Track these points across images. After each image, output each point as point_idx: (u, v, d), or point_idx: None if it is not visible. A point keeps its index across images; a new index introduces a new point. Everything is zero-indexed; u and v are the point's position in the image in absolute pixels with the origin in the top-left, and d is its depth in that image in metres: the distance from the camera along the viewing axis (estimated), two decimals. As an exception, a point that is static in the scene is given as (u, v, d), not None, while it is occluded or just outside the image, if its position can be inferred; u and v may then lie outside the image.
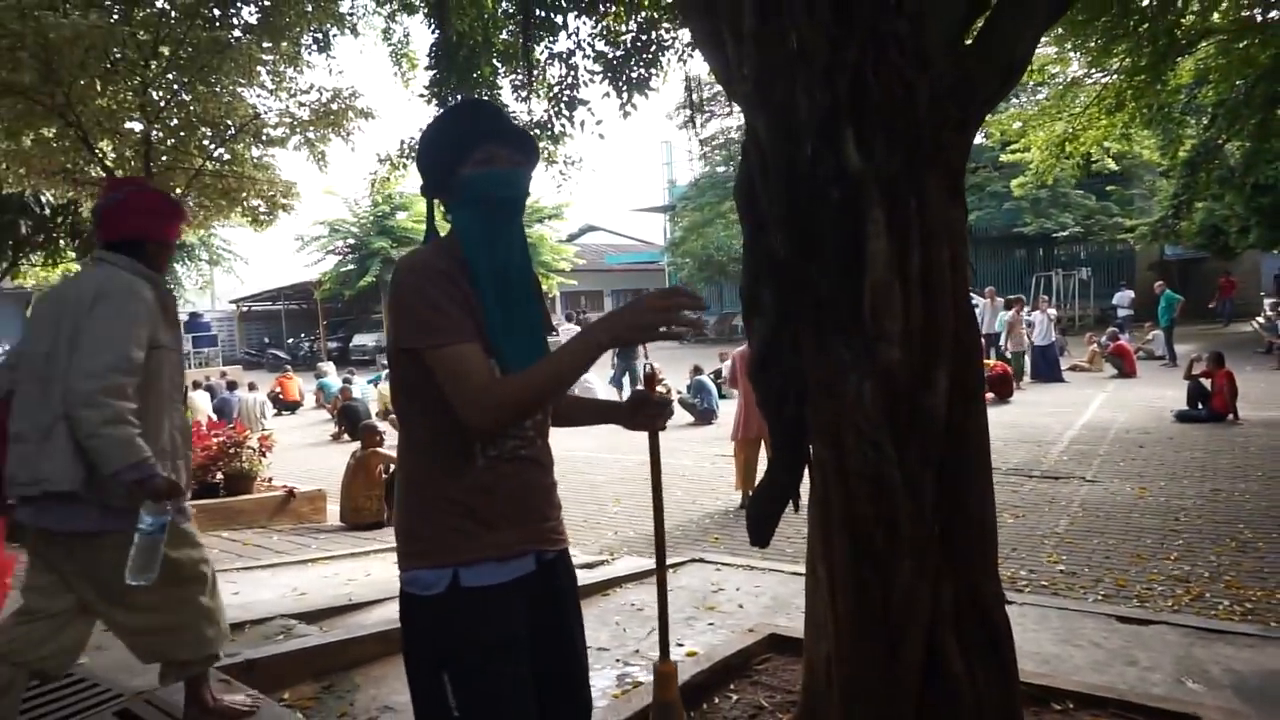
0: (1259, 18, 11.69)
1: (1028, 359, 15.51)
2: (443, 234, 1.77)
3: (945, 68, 2.35)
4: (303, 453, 12.58)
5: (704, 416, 12.57)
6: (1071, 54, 11.71)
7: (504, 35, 6.69)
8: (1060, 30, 10.60)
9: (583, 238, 44.10)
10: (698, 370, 13.56)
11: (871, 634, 2.41)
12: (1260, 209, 18.15)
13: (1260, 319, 20.91)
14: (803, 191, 2.30)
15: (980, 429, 2.48)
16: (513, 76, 6.22)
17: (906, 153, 2.28)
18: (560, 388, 1.64)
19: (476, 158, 1.70)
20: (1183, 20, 10.84)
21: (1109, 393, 13.68)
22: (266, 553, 6.34)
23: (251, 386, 15.92)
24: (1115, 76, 12.04)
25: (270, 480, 8.24)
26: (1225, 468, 7.93)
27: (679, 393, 13.17)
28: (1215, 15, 11.44)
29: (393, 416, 7.02)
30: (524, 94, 6.28)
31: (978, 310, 18.34)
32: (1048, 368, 15.38)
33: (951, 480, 2.40)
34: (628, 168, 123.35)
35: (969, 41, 2.53)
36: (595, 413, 2.11)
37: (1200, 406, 10.55)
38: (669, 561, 5.00)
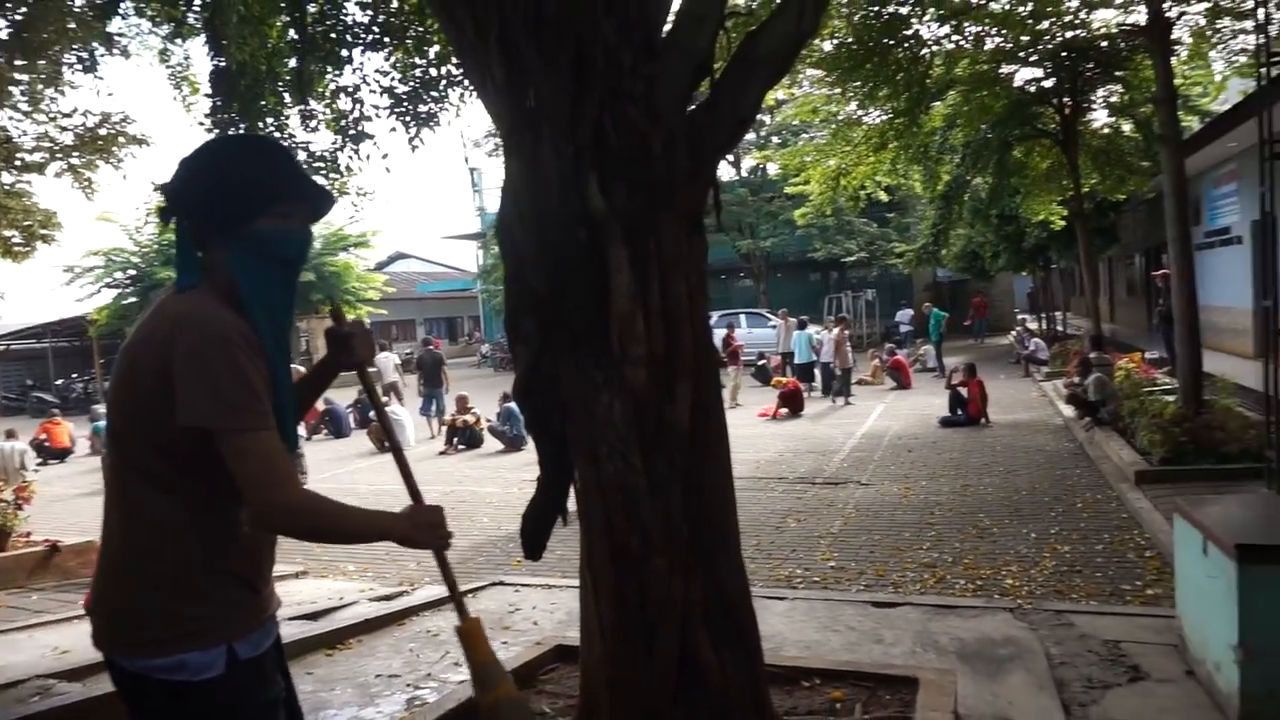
0: (993, 73, 13.36)
1: (819, 373, 16.76)
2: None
3: (678, 123, 2.66)
4: (74, 503, 11.52)
5: (513, 443, 12.66)
6: (845, 97, 12.86)
7: (291, 64, 6.58)
8: (835, 75, 11.69)
9: (393, 265, 42.96)
10: (507, 397, 13.63)
11: (631, 633, 2.66)
12: (1007, 236, 20.64)
13: (1012, 334, 23.60)
14: (553, 232, 2.53)
15: (720, 439, 2.80)
16: (301, 108, 6.14)
17: (645, 197, 2.57)
18: (332, 536, 1.70)
19: (278, 211, 1.62)
20: (931, 72, 12.25)
21: (887, 403, 15.02)
22: (22, 613, 5.83)
23: (10, 434, 14.35)
24: (879, 119, 13.38)
25: (29, 535, 7.54)
26: (975, 465, 8.99)
27: (488, 420, 13.20)
28: (958, 69, 12.97)
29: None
30: (313, 125, 6.21)
31: (774, 330, 19.66)
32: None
33: (697, 487, 2.70)
34: (440, 194, 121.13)
35: (700, 100, 2.87)
36: (318, 383, 2.03)
37: (959, 412, 11.84)
38: (467, 587, 5.09)
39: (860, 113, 13.37)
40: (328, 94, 5.90)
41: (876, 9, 10.62)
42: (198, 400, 1.48)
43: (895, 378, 17.29)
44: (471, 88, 6.10)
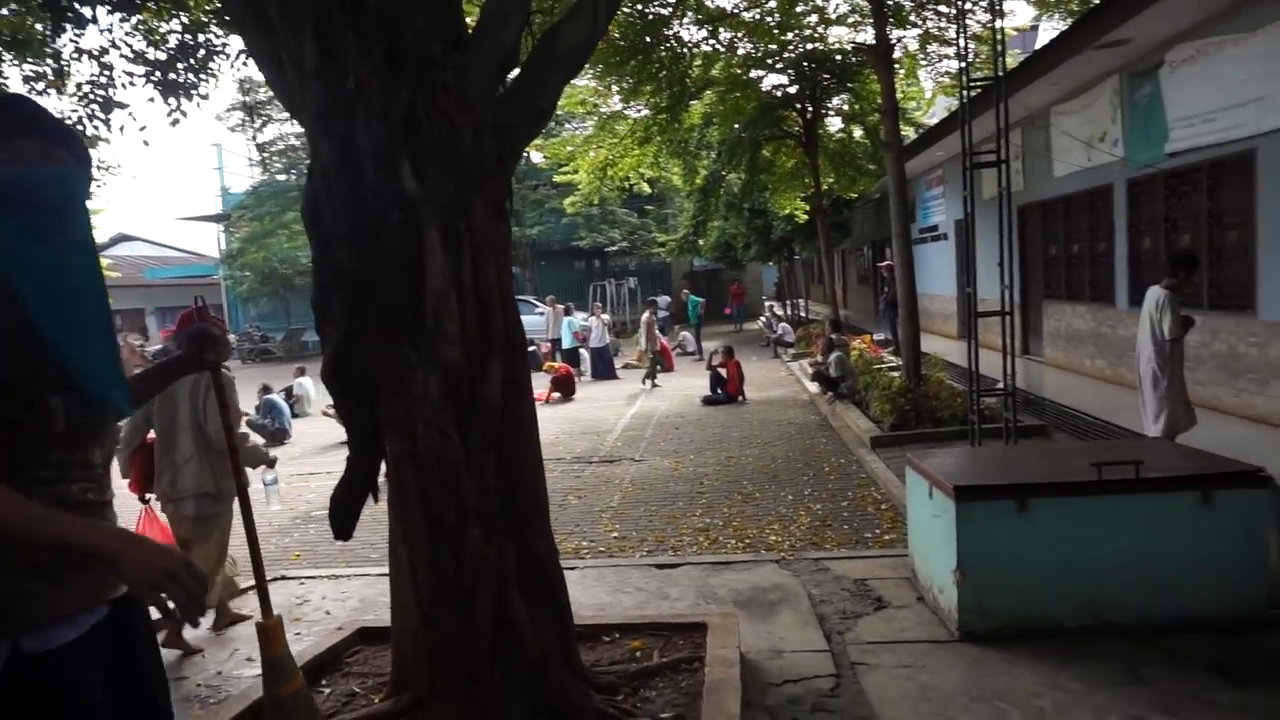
0: (745, 77, 14.40)
1: (589, 357, 17.28)
2: None
3: (486, 111, 2.78)
4: None
5: (276, 436, 11.97)
6: (612, 90, 13.31)
7: (4, 13, 5.80)
8: (601, 67, 12.06)
9: (115, 249, 38.46)
10: (267, 389, 12.84)
11: (448, 599, 2.76)
12: (757, 229, 22.30)
13: (762, 319, 25.52)
14: (366, 213, 2.57)
15: (529, 414, 2.97)
16: (28, 66, 5.44)
17: (457, 181, 2.68)
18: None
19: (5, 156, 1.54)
20: (691, 72, 13.00)
21: (653, 385, 15.78)
22: None
23: None
24: (644, 114, 13.99)
25: None
26: (736, 439, 9.76)
27: (247, 415, 12.35)
28: (715, 70, 13.85)
29: None
30: (41, 87, 5.54)
31: (542, 316, 19.96)
32: (604, 367, 17.24)
33: (509, 458, 2.85)
34: (173, 172, 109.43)
35: (506, 90, 3.01)
36: (162, 376, 2.04)
37: (719, 391, 12.74)
38: (246, 585, 4.87)
39: (625, 107, 13.93)
40: (64, 55, 5.30)
41: (640, 8, 11.12)
42: None
43: (659, 361, 18.18)
44: (245, 61, 5.76)
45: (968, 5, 10.45)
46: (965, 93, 7.23)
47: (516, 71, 3.00)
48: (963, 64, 7.33)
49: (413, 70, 2.54)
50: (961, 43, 7.54)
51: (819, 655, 3.74)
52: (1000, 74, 7.07)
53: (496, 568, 2.80)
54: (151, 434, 4.44)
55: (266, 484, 5.01)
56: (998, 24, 7.41)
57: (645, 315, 16.56)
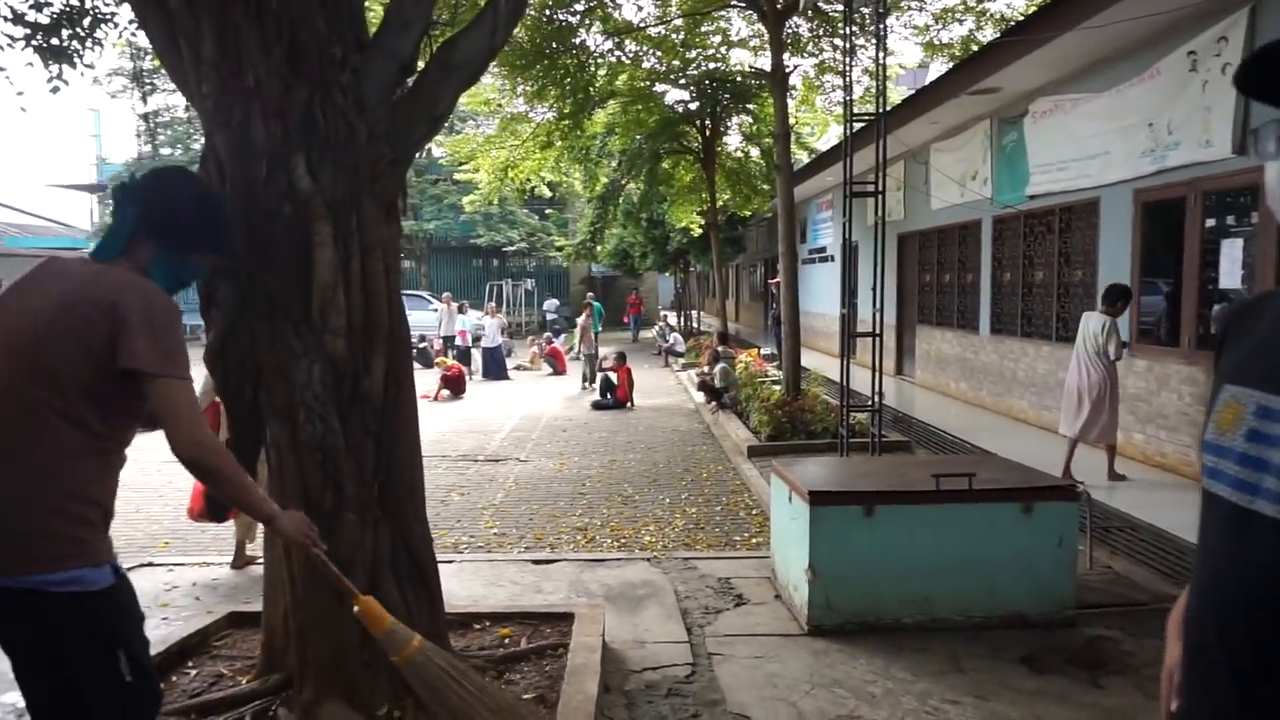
0: (648, 90, 14.73)
1: (480, 356, 17.25)
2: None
3: (381, 115, 2.91)
4: None
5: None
6: (516, 92, 13.38)
7: None
8: (506, 69, 12.14)
9: (-29, 214, 35.72)
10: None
11: (322, 582, 2.85)
12: (654, 239, 22.72)
13: (656, 328, 25.98)
14: (258, 204, 2.65)
15: (410, 406, 3.10)
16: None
17: (349, 180, 2.79)
18: (230, 488, 1.99)
19: (209, 257, 2.25)
20: (595, 81, 13.22)
21: (545, 388, 15.91)
22: None
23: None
24: (547, 118, 14.12)
25: None
26: (621, 443, 10.01)
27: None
28: (619, 82, 14.12)
29: None
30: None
31: (436, 313, 19.78)
32: (496, 367, 17.23)
33: (388, 447, 2.97)
34: (44, 135, 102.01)
35: (403, 96, 3.13)
36: None
37: (608, 397, 12.97)
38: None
39: (529, 110, 14.03)
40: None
41: (549, 14, 11.28)
42: (143, 348, 1.80)
43: (552, 364, 18.31)
44: (136, 31, 5.60)
45: (859, 42, 11.09)
46: (849, 125, 7.71)
47: (414, 78, 3.12)
48: (847, 98, 7.80)
49: (312, 71, 2.64)
50: (847, 78, 8.02)
51: (679, 646, 3.98)
52: (881, 111, 7.57)
53: (371, 551, 2.91)
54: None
55: None
56: (883, 60, 7.91)
57: (582, 318, 16.62)
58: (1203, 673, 1.13)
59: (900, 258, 14.22)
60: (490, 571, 5.13)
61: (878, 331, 7.49)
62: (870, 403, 7.79)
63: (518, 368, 18.71)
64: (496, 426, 11.32)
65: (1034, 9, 9.67)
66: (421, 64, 3.17)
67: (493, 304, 19.96)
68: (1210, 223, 7.04)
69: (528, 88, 12.73)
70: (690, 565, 5.24)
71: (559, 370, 18.05)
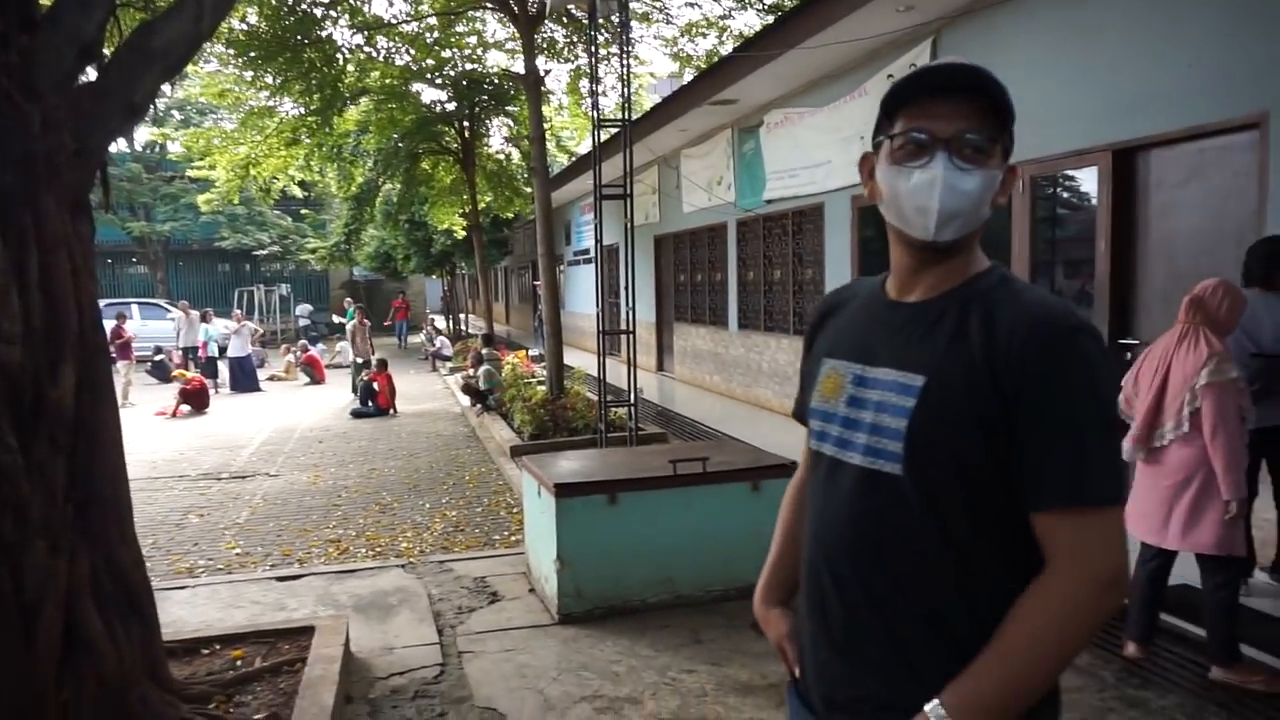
0: (403, 88, 14.34)
1: (227, 368, 15.98)
2: None
3: (60, 102, 2.65)
4: None
5: None
6: (257, 85, 12.53)
7: None
8: (244, 59, 11.34)
9: None
10: None
11: (8, 618, 2.56)
12: (417, 241, 22.15)
13: (423, 332, 25.34)
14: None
15: (110, 419, 2.85)
16: None
17: (21, 172, 2.52)
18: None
19: None
20: (345, 77, 12.69)
21: (300, 398, 15.03)
22: None
23: None
24: (294, 113, 13.36)
25: None
26: (382, 451, 9.69)
27: None
28: (371, 79, 13.64)
29: None
30: None
31: (173, 322, 18.08)
32: (245, 378, 16.04)
33: (84, 464, 2.72)
34: None
35: (91, 83, 2.87)
36: None
37: (369, 404, 12.50)
38: None
39: (273, 104, 13.21)
40: None
41: (291, 3, 10.68)
42: None
43: (309, 373, 17.33)
44: None
45: (611, 50, 11.47)
46: (597, 131, 7.96)
47: (105, 63, 2.88)
48: (595, 104, 8.05)
49: (-32, 50, 2.36)
50: (594, 85, 8.28)
51: (428, 648, 3.95)
52: (627, 118, 7.89)
53: (66, 580, 2.65)
54: None
55: None
56: (628, 68, 8.25)
57: (352, 324, 15.60)
58: (819, 605, 1.32)
59: (657, 259, 14.86)
60: (229, 593, 4.81)
61: (631, 329, 7.80)
62: (628, 398, 8.09)
63: (271, 378, 17.53)
64: (244, 441, 10.56)
65: (760, 29, 10.48)
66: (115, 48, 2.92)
67: (240, 311, 18.53)
68: (910, 226, 7.97)
69: (270, 80, 11.98)
70: (447, 568, 5.20)
71: (317, 379, 17.11)
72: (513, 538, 6.08)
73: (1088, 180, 5.71)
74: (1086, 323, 1.16)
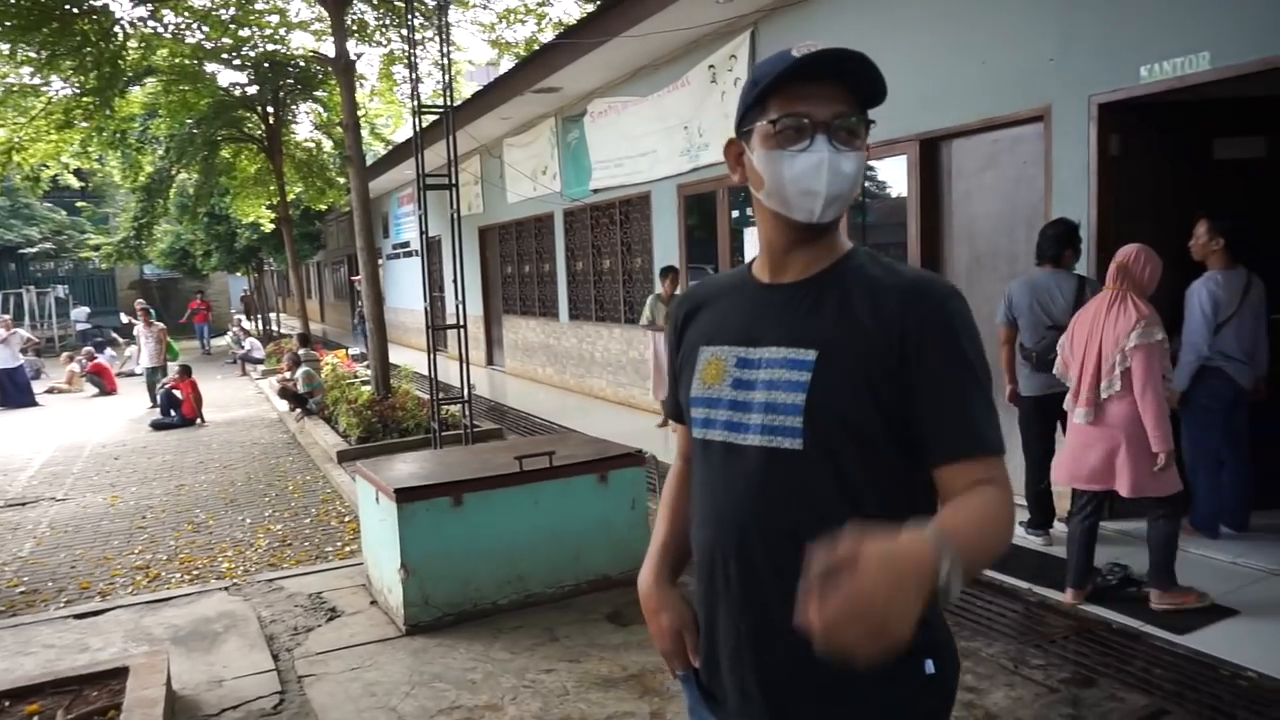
0: (196, 69, 13.18)
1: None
2: None
3: None
4: None
5: None
6: (17, 60, 11.11)
7: None
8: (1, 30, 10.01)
9: None
10: None
11: None
12: (218, 235, 20.53)
13: (229, 334, 23.58)
14: None
15: None
16: None
17: None
18: None
19: None
20: (126, 53, 11.48)
21: (89, 411, 13.57)
22: None
23: None
24: (64, 94, 11.97)
25: None
26: (190, 465, 8.90)
27: None
28: (158, 57, 12.43)
29: None
30: None
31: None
32: (18, 392, 14.28)
33: None
34: None
35: None
36: None
37: (173, 414, 11.46)
38: None
39: (40, 82, 11.76)
40: None
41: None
42: None
43: (97, 383, 15.66)
44: None
45: (429, 35, 11.03)
46: (418, 118, 7.64)
47: None
48: (415, 90, 7.72)
49: None
50: (413, 70, 7.93)
51: (264, 676, 3.64)
52: (449, 105, 7.62)
53: None
54: None
55: None
56: (448, 54, 7.95)
57: (139, 327, 13.97)
58: (726, 592, 1.28)
59: (482, 250, 14.55)
60: (13, 639, 4.23)
61: (462, 323, 7.55)
62: (461, 394, 7.84)
63: (50, 391, 15.72)
64: (21, 464, 9.39)
65: (582, 17, 10.44)
66: None
67: (7, 317, 16.42)
68: (735, 214, 8.22)
69: (33, 55, 10.63)
70: (276, 587, 4.83)
71: (108, 390, 15.50)
72: (347, 548, 5.75)
73: (898, 168, 6.07)
74: (956, 288, 1.24)
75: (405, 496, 3.94)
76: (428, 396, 8.71)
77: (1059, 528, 4.67)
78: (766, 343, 1.26)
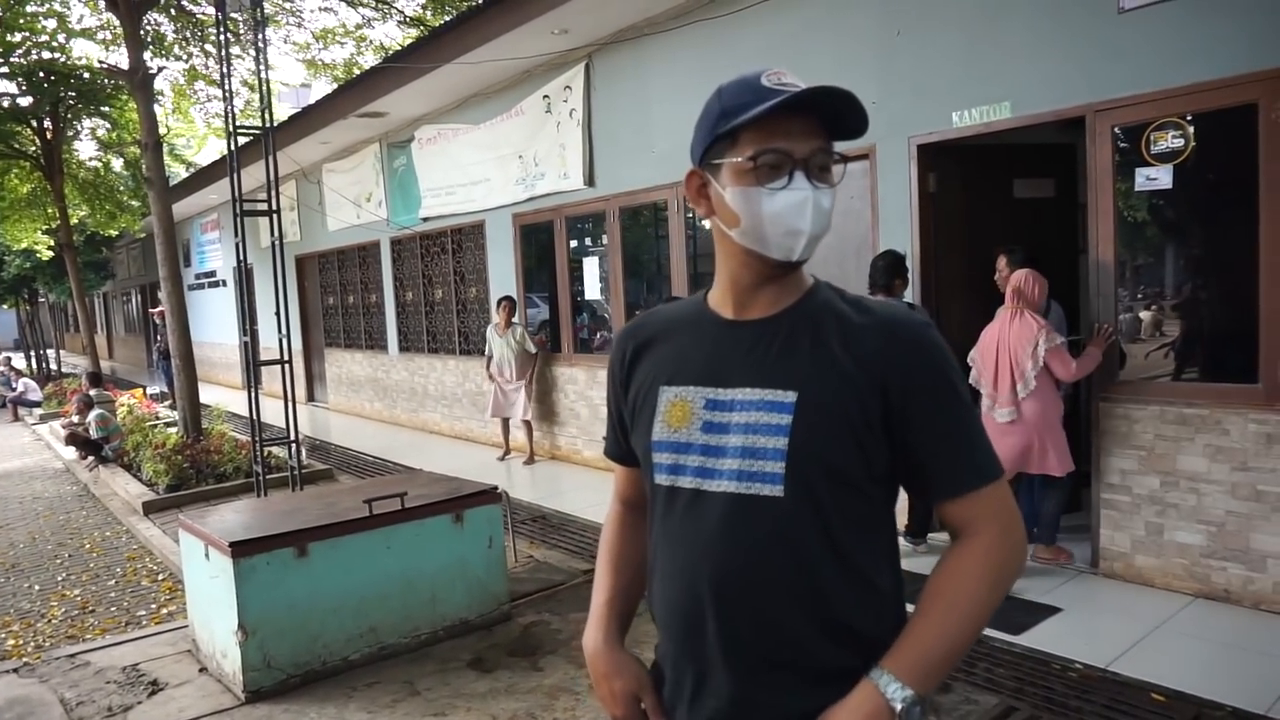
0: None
1: None
2: None
3: None
4: None
5: None
6: None
7: None
8: None
9: None
10: None
11: None
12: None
13: (-3, 374, 20.92)
14: None
15: None
16: None
17: None
18: None
19: None
20: None
21: None
22: None
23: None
24: None
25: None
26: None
27: None
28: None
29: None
30: None
31: None
32: None
33: None
34: None
35: None
36: None
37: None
38: None
39: None
40: None
41: None
42: None
43: None
44: None
45: (235, 51, 10.37)
46: (233, 138, 7.13)
47: None
48: (229, 108, 7.21)
49: None
50: (226, 87, 7.41)
51: (76, 769, 3.19)
52: (269, 125, 7.16)
53: None
54: None
55: None
56: (266, 73, 7.47)
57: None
58: (702, 646, 1.20)
59: (301, 280, 13.76)
60: None
61: (287, 358, 7.06)
62: (286, 435, 7.32)
63: None
64: None
65: (410, 41, 10.17)
66: None
67: None
68: (573, 244, 8.23)
69: None
70: (80, 662, 4.26)
71: None
72: (164, 610, 5.20)
73: (734, 201, 6.28)
74: (928, 319, 1.25)
75: (242, 550, 3.59)
76: (246, 438, 8.07)
77: (934, 538, 4.94)
78: (738, 383, 1.20)
